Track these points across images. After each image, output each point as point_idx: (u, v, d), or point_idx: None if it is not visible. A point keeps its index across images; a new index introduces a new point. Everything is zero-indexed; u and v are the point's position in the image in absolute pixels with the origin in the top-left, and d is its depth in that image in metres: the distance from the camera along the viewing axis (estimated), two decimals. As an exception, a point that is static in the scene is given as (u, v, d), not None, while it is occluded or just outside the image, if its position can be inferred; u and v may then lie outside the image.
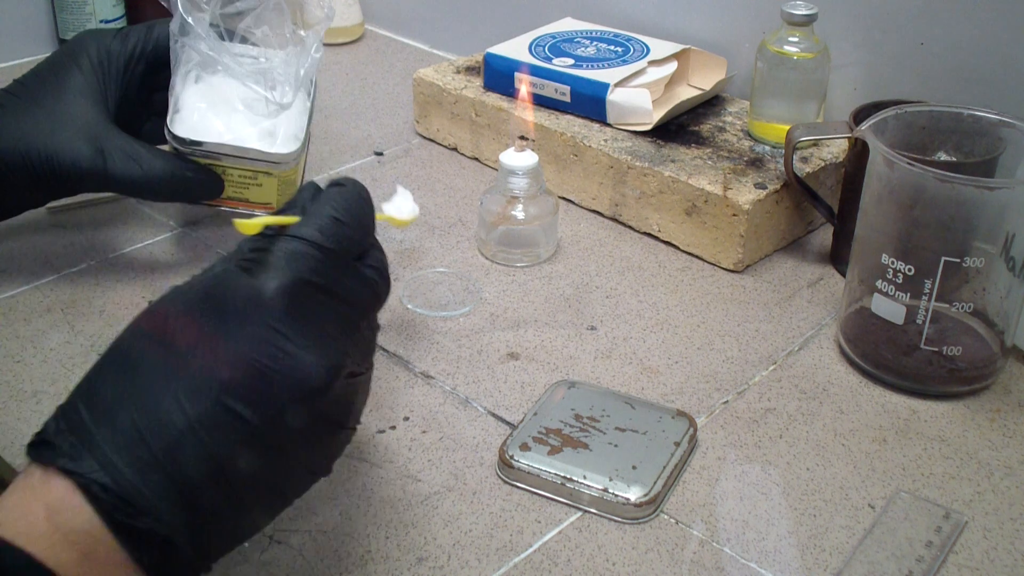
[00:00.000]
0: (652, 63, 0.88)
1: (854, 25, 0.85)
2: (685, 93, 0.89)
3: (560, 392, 0.63)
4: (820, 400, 0.65)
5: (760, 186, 0.77)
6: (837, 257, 0.78)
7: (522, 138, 0.76)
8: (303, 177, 0.79)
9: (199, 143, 0.70)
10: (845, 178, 0.77)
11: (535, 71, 0.88)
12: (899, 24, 0.82)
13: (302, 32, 0.73)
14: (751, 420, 0.63)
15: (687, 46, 0.91)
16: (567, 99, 0.87)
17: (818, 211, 0.79)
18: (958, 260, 0.62)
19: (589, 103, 0.86)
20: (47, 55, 0.73)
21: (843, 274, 0.77)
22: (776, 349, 0.70)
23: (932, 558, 0.54)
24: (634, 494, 0.56)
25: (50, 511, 0.42)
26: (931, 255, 0.62)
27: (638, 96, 0.84)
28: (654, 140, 0.83)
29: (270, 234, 0.49)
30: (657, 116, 0.84)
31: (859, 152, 0.73)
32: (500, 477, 0.59)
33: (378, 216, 0.53)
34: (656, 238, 0.81)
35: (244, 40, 0.74)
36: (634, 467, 0.58)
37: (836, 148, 0.83)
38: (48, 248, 0.78)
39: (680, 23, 0.96)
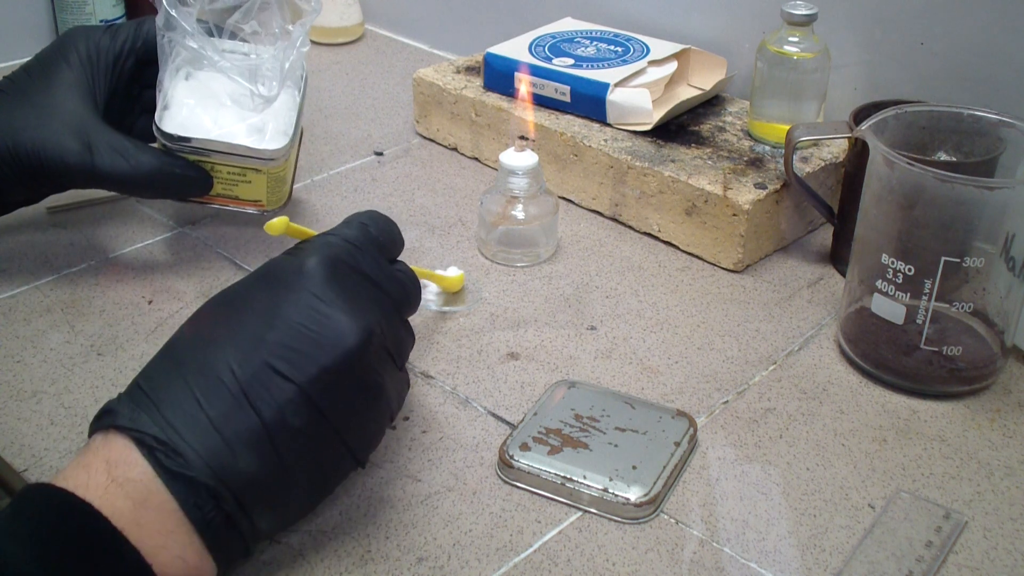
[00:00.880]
0: (652, 63, 0.88)
1: (854, 25, 0.85)
2: (685, 93, 0.89)
3: (560, 392, 0.63)
4: (820, 400, 0.65)
5: (760, 186, 0.77)
6: (837, 257, 0.78)
7: (522, 138, 0.76)
8: (295, 174, 0.79)
9: (187, 139, 0.70)
10: (845, 178, 0.77)
11: (535, 71, 0.88)
12: (899, 24, 0.82)
13: (290, 27, 0.73)
14: (751, 420, 0.63)
15: (687, 46, 0.91)
16: (567, 99, 0.87)
17: (818, 211, 0.79)
18: (958, 260, 0.62)
19: (589, 103, 0.86)
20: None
21: (843, 274, 0.77)
22: (776, 349, 0.70)
23: (932, 558, 0.54)
24: (634, 494, 0.56)
25: (109, 464, 0.46)
26: (931, 255, 0.62)
27: (638, 96, 0.84)
28: (654, 140, 0.83)
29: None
30: (657, 116, 0.84)
31: (859, 152, 0.73)
32: (500, 477, 0.59)
33: (426, 273, 0.64)
34: (656, 238, 0.81)
35: (233, 36, 0.74)
36: (634, 467, 0.58)
37: (836, 148, 0.83)
38: (48, 248, 0.78)
39: (680, 23, 0.96)
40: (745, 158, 0.81)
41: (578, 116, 0.87)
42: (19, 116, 0.69)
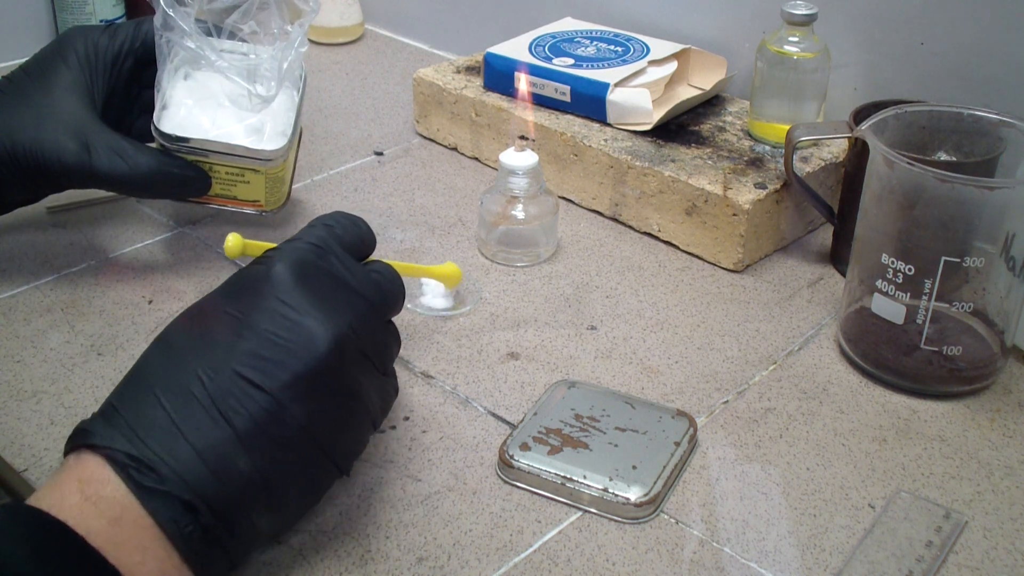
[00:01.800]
0: (652, 63, 0.88)
1: (854, 25, 0.85)
2: (685, 93, 0.89)
3: (560, 392, 0.63)
4: (820, 400, 0.65)
5: (760, 186, 0.77)
6: (837, 257, 0.78)
7: (522, 138, 0.76)
8: (294, 174, 0.79)
9: (185, 139, 0.70)
10: (845, 178, 0.77)
11: (535, 71, 0.88)
12: (899, 24, 0.82)
13: (288, 27, 0.73)
14: (751, 420, 0.63)
15: (687, 46, 0.91)
16: (567, 99, 0.87)
17: (818, 211, 0.79)
18: (958, 260, 0.62)
19: (589, 103, 0.86)
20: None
21: (843, 274, 0.77)
22: (776, 349, 0.70)
23: (932, 558, 0.54)
24: (634, 494, 0.56)
25: (82, 483, 0.45)
26: (931, 255, 0.62)
27: (638, 96, 0.84)
28: (654, 140, 0.83)
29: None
30: (657, 116, 0.84)
31: (859, 152, 0.73)
32: (500, 477, 0.59)
33: (421, 270, 0.64)
34: (656, 238, 0.81)
35: (232, 36, 0.74)
36: (634, 467, 0.58)
37: (836, 148, 0.83)
38: (48, 248, 0.78)
39: (680, 23, 0.96)
40: (745, 158, 0.81)
41: (578, 116, 0.87)
42: (17, 117, 0.69)
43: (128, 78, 0.73)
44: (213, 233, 0.81)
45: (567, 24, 0.97)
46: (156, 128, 0.70)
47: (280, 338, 0.48)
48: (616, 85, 0.85)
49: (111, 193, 0.76)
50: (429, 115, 0.96)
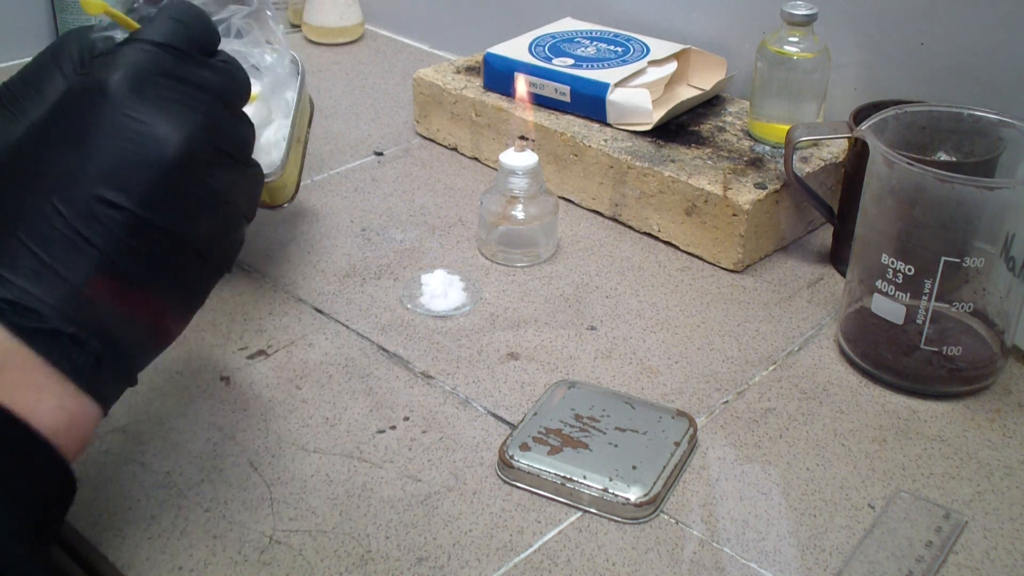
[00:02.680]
0: (652, 63, 0.88)
1: (854, 25, 0.85)
2: (685, 93, 0.89)
3: (560, 392, 0.63)
4: (820, 400, 0.65)
5: (760, 186, 0.77)
6: (837, 257, 0.78)
7: (522, 138, 0.76)
8: (300, 181, 0.79)
9: None
10: (845, 178, 0.77)
11: (535, 71, 0.88)
12: (899, 24, 0.82)
13: (276, 46, 0.73)
14: (751, 420, 0.63)
15: (687, 46, 0.91)
16: (567, 99, 0.87)
17: (818, 211, 0.79)
18: (958, 260, 0.62)
19: (589, 103, 0.86)
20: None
21: (843, 274, 0.77)
22: (776, 349, 0.70)
23: (932, 558, 0.54)
24: (634, 494, 0.56)
25: None
26: (931, 255, 0.62)
27: (638, 96, 0.84)
28: (654, 140, 0.83)
29: (109, 48, 0.51)
30: (657, 116, 0.84)
31: (859, 152, 0.73)
32: (500, 477, 0.59)
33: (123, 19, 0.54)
34: (656, 238, 0.81)
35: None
36: (634, 467, 0.58)
37: (836, 148, 0.83)
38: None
39: (680, 23, 0.96)
40: (745, 158, 0.81)
41: (578, 116, 0.87)
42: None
43: None
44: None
45: (567, 24, 0.98)
46: None
47: (128, 151, 0.47)
48: (616, 85, 0.85)
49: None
50: (429, 115, 0.96)
